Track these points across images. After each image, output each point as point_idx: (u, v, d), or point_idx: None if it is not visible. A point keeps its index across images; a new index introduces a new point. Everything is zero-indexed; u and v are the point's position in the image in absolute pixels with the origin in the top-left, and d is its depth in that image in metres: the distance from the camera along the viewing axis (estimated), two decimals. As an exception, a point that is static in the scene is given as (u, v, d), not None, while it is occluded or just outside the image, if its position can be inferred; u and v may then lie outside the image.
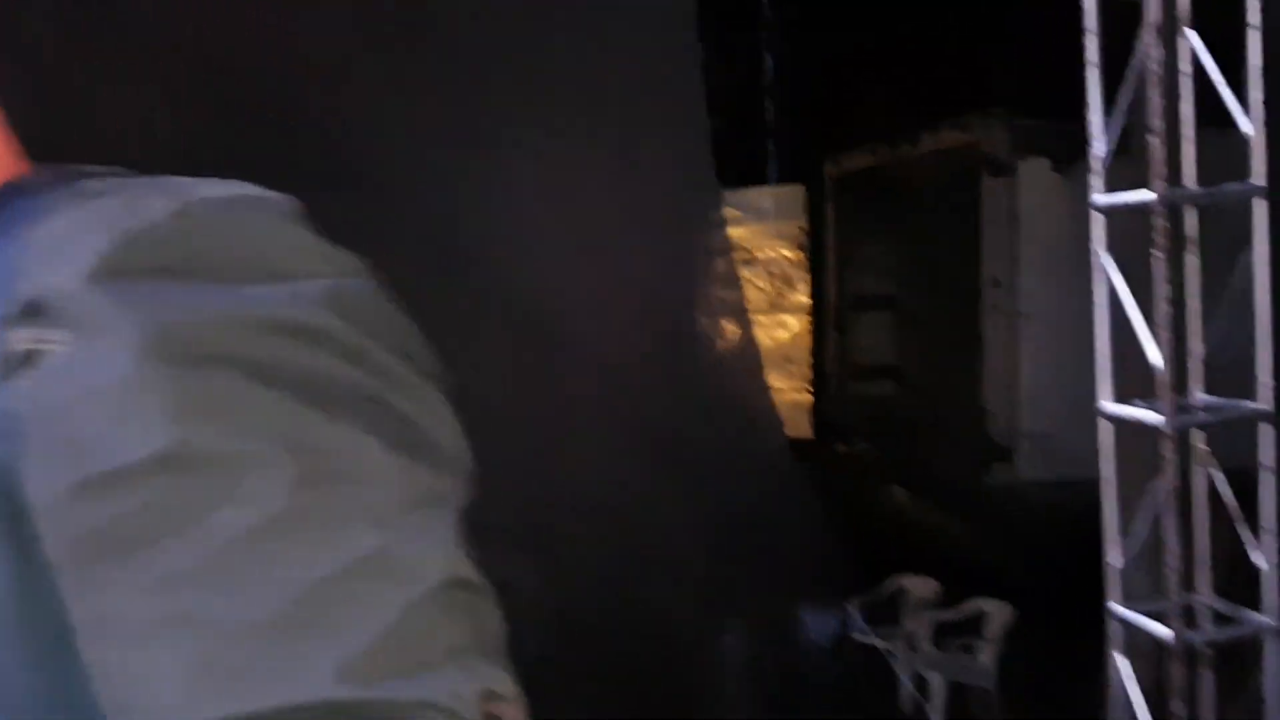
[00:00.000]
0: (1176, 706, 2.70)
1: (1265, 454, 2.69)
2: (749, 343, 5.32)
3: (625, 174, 3.91)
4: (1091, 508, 3.05)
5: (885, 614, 6.98)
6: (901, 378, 8.45)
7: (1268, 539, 2.74)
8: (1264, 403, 2.69)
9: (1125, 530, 2.94)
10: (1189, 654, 2.75)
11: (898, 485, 7.90)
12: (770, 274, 9.76)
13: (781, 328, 9.71)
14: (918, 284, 8.17)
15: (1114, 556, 2.98)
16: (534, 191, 3.60)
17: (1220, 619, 2.88)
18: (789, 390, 9.21)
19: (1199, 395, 2.89)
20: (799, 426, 8.73)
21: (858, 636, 6.78)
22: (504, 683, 0.34)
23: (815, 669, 3.09)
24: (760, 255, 9.68)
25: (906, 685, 5.49)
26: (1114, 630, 2.97)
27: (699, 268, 4.84)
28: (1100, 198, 2.80)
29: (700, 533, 3.42)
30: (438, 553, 0.36)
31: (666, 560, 3.42)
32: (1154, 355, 2.58)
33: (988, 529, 6.98)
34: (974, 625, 6.69)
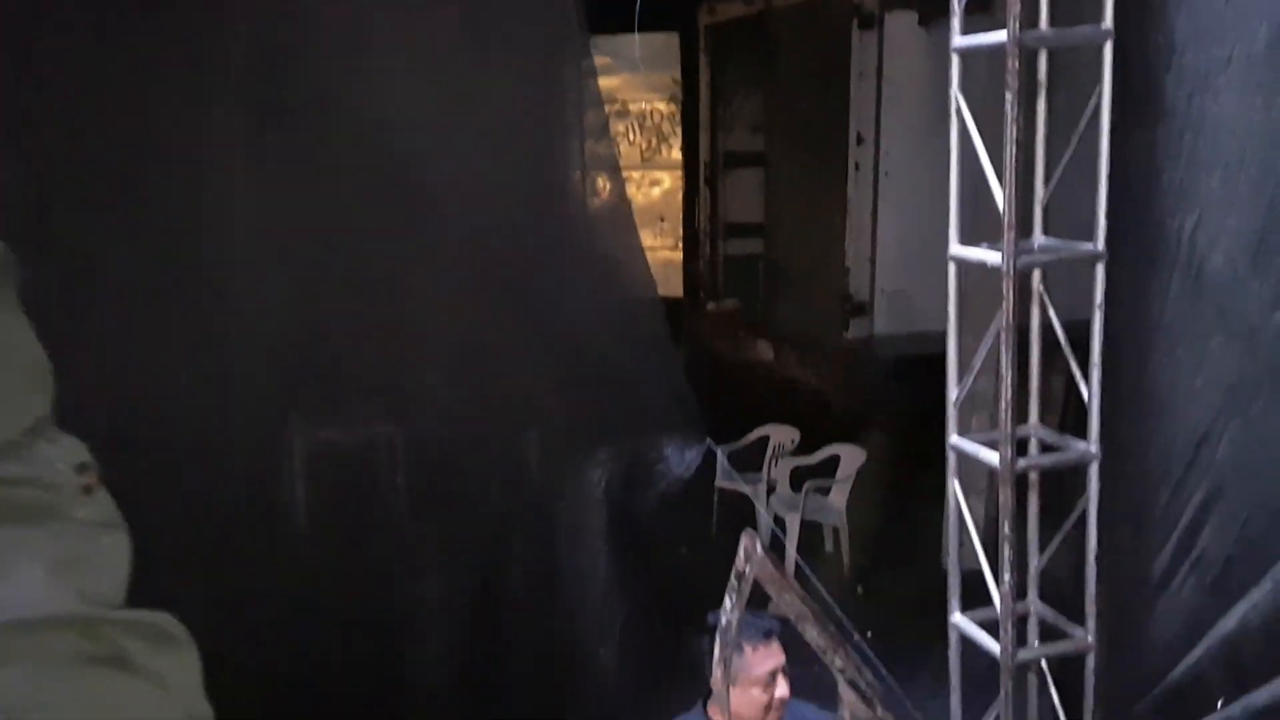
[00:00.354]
0: (1006, 528, 2.91)
1: (1096, 292, 2.85)
2: (621, 199, 5.26)
3: (485, 19, 3.73)
4: (941, 358, 3.19)
5: (749, 461, 7.29)
6: (770, 235, 8.57)
7: (1094, 373, 2.93)
8: (1099, 244, 2.83)
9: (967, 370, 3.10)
10: (1019, 480, 2.95)
11: (763, 340, 8.12)
12: (644, 128, 9.65)
13: (655, 184, 9.68)
14: (788, 140, 8.21)
15: (954, 392, 3.14)
16: (390, 39, 3.41)
17: (1047, 448, 3.10)
18: (661, 248, 9.26)
19: (1040, 238, 3.03)
20: (671, 285, 8.83)
21: (723, 483, 7.08)
22: (87, 453, 0.35)
23: (678, 508, 3.20)
24: (634, 108, 9.54)
25: (766, 525, 5.77)
26: (951, 460, 3.17)
27: (569, 120, 4.73)
28: (958, 40, 2.84)
29: (567, 387, 3.45)
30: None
31: (530, 410, 3.45)
32: (999, 196, 2.67)
33: (846, 380, 7.28)
34: (829, 468, 7.06)
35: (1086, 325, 2.92)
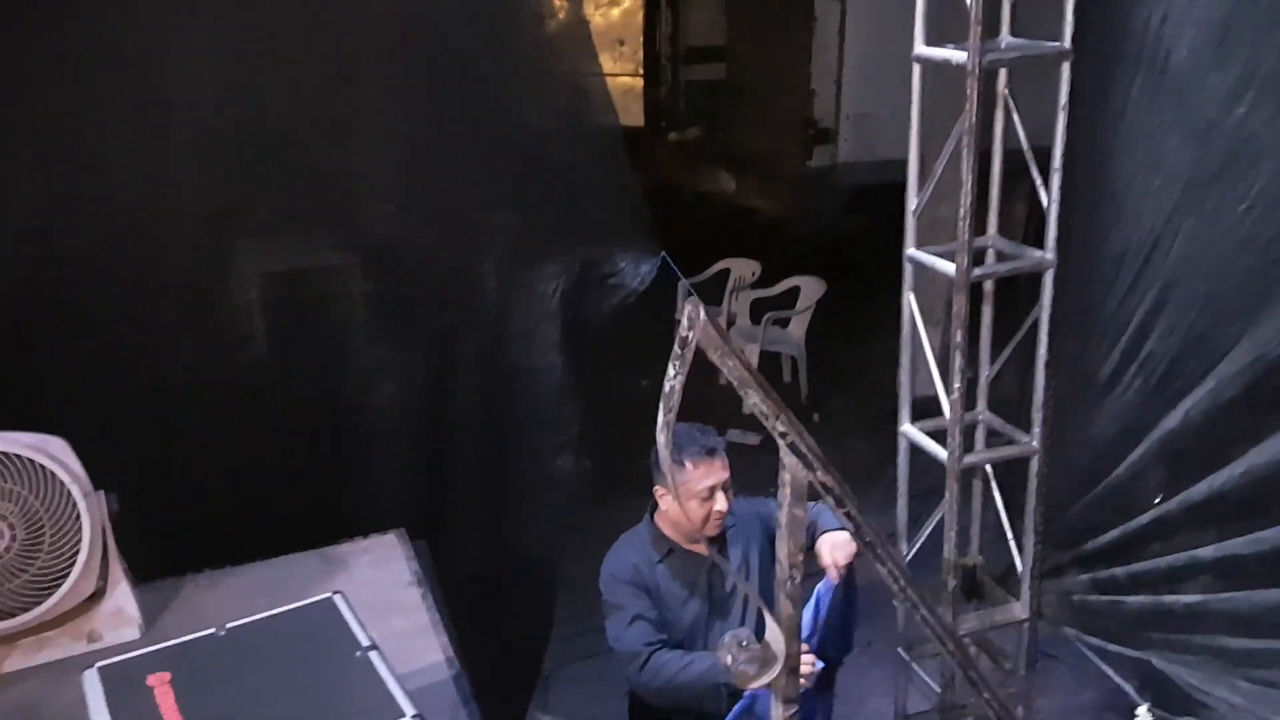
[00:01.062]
0: (957, 337, 2.92)
1: (1061, 93, 2.78)
2: (578, 19, 5.00)
3: None
4: (904, 185, 3.12)
5: (709, 295, 7.29)
6: (733, 59, 8.30)
7: (1055, 178, 2.89)
8: (1065, 41, 2.74)
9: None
10: (974, 290, 2.94)
11: (725, 171, 7.99)
12: (603, -55, 9.20)
13: (614, 4, 9.29)
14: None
15: (913, 202, 3.10)
16: None
17: (1003, 257, 3.09)
18: (621, 74, 8.96)
19: (1008, 38, 2.93)
20: (631, 114, 8.59)
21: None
22: None
23: (633, 332, 3.15)
24: (591, -75, 9.06)
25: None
26: (907, 273, 3.15)
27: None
28: None
29: (521, 202, 3.35)
30: None
31: (484, 225, 3.36)
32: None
33: (807, 210, 7.21)
34: (789, 300, 7.07)
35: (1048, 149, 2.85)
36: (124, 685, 1.78)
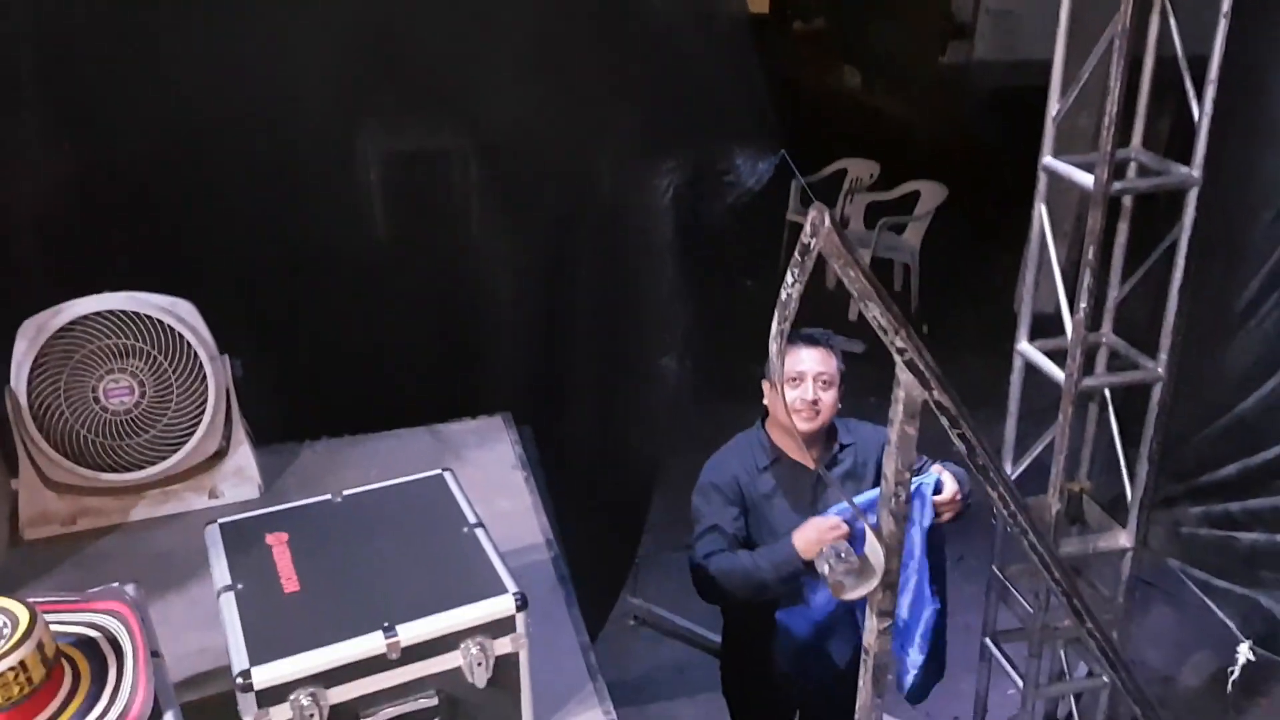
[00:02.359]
0: (1089, 254, 2.79)
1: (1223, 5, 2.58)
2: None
3: None
4: (1045, 89, 2.95)
5: (825, 195, 7.11)
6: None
7: (1209, 90, 2.70)
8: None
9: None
10: (1112, 205, 2.79)
11: (851, 65, 7.69)
12: None
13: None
14: None
15: (1054, 107, 2.93)
16: None
17: (1145, 172, 2.92)
18: (747, -38, 8.64)
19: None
20: (756, 1, 8.31)
21: (794, 216, 6.94)
22: None
23: (748, 232, 3.09)
24: None
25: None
26: (1041, 183, 3.01)
27: None
28: None
29: (639, 94, 3.29)
30: None
31: (601, 116, 3.31)
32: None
33: (936, 111, 6.92)
34: (907, 205, 6.87)
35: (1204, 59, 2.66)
36: (243, 540, 1.89)
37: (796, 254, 1.38)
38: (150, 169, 2.81)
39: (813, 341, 2.60)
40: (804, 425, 2.61)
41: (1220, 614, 3.06)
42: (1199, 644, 3.98)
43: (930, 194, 6.77)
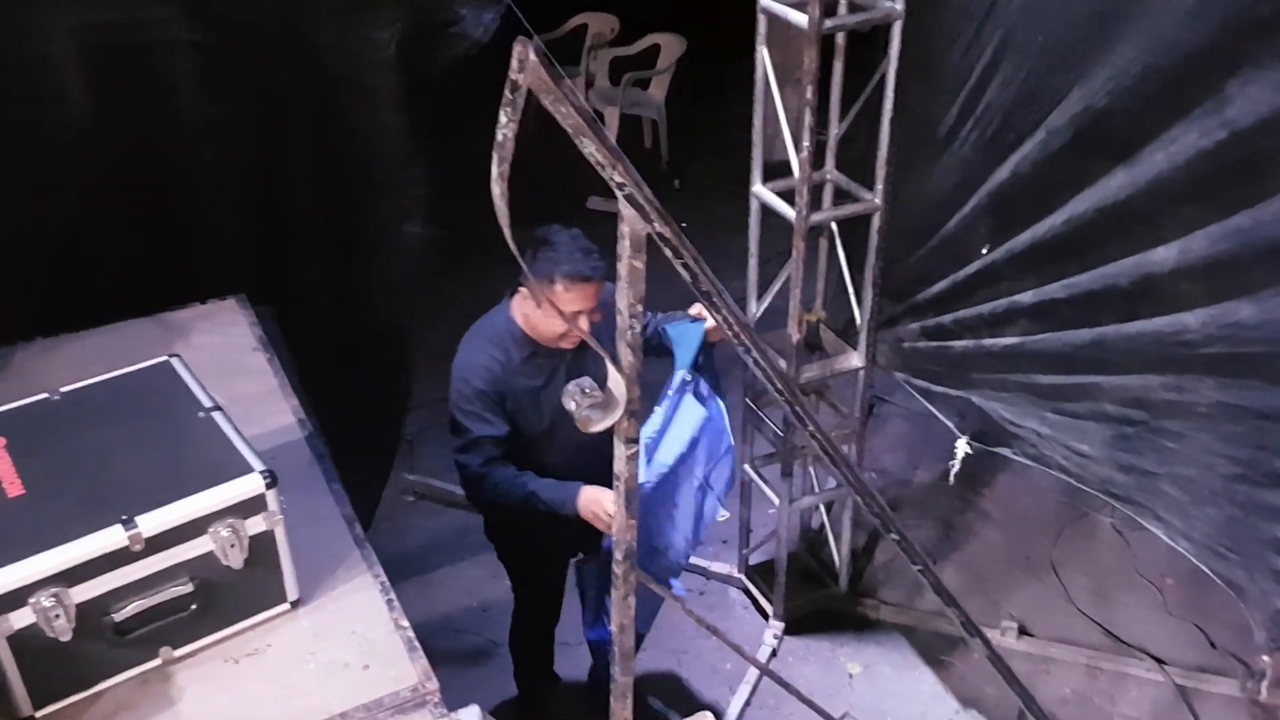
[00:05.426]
0: (808, 93, 2.90)
1: None
2: None
3: None
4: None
5: (566, 52, 7.01)
6: None
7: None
8: None
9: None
10: (825, 42, 2.91)
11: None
12: None
13: None
14: None
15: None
16: None
17: (855, 9, 3.05)
18: None
19: None
20: None
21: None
22: None
23: (475, 65, 2.98)
24: None
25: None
26: (761, 24, 3.09)
27: None
28: None
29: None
30: None
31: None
32: None
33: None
34: (650, 59, 6.89)
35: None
36: (-48, 453, 1.75)
37: (506, 91, 1.37)
38: None
39: (588, 279, 2.57)
40: (567, 344, 2.68)
41: (940, 416, 3.40)
42: (926, 444, 4.43)
43: (670, 47, 6.81)
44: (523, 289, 2.70)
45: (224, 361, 2.40)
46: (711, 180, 6.51)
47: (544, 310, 2.60)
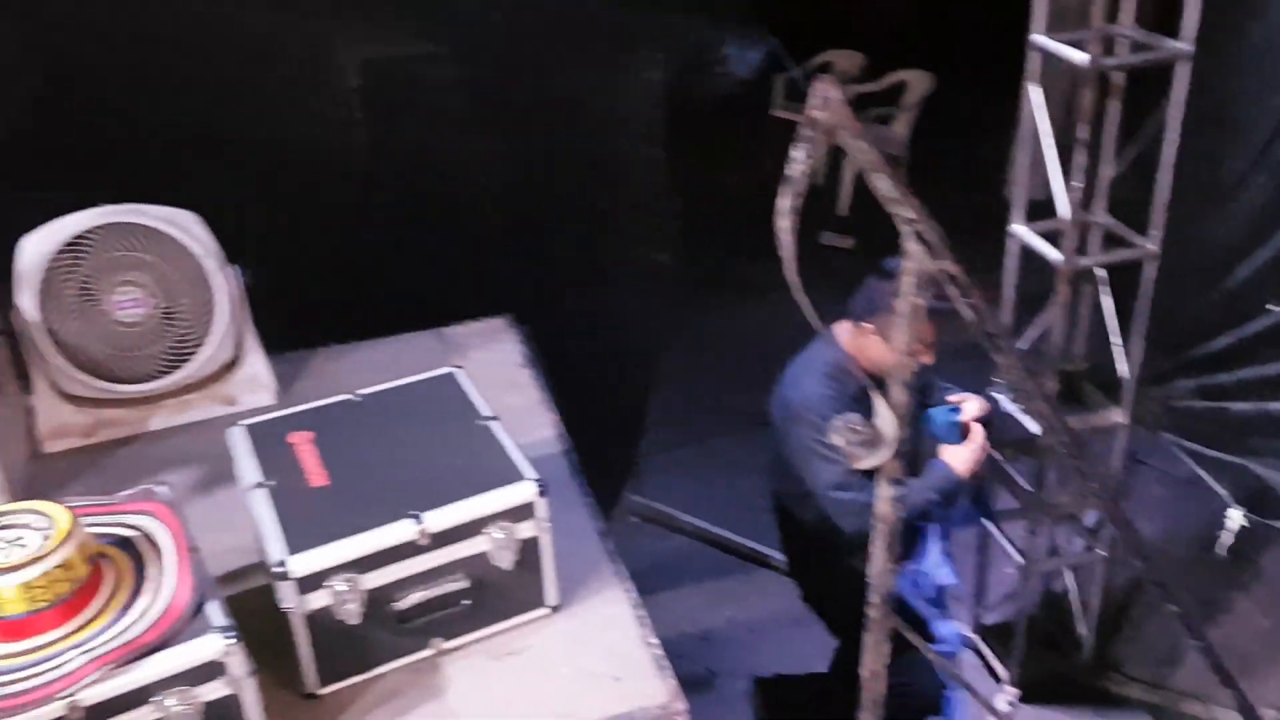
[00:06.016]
0: (1082, 130, 2.80)
1: None
2: None
3: None
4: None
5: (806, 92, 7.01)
6: None
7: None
8: None
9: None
10: (1101, 80, 2.79)
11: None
12: None
13: None
14: None
15: (1043, -13, 2.91)
16: None
17: (1137, 47, 2.91)
18: None
19: None
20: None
21: (779, 112, 6.87)
22: None
23: (736, 101, 3.04)
24: None
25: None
26: (1031, 60, 3.00)
27: None
28: None
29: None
30: None
31: (583, 11, 3.26)
32: None
33: (919, -1, 6.80)
34: (894, 96, 6.80)
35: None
36: (267, 440, 1.93)
37: (803, 128, 1.40)
38: (123, 80, 2.77)
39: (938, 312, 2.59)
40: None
41: (1211, 483, 3.15)
42: (1191, 516, 4.10)
43: (917, 83, 6.70)
44: (849, 321, 2.74)
45: (495, 375, 2.54)
46: (953, 218, 6.28)
47: (887, 344, 2.60)
